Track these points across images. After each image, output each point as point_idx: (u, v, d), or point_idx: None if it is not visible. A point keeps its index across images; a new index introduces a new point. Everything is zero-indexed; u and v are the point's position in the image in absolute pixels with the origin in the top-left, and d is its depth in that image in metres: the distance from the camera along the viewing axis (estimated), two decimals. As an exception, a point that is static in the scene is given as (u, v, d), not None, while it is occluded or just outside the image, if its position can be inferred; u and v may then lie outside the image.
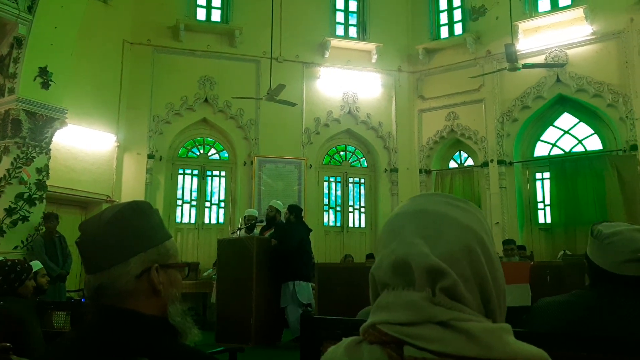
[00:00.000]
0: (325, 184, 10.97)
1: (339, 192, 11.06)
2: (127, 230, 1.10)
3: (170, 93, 9.94)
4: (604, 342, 1.24)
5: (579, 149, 9.92)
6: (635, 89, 8.99)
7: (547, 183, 10.04)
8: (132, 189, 9.33)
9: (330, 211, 10.95)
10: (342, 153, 11.27)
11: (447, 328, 0.68)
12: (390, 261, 0.75)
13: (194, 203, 10.16)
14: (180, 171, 10.21)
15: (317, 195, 10.73)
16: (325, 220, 10.83)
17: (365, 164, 11.30)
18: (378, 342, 0.71)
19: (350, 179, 11.14)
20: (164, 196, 9.81)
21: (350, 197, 11.08)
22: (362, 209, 11.11)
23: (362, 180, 11.24)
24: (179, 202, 10.10)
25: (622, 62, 9.19)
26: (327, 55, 10.82)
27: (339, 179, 11.09)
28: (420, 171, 10.98)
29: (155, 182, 9.73)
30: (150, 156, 9.69)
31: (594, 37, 9.50)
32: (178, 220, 10.02)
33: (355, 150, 11.28)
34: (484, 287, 0.74)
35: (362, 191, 11.20)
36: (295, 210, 6.96)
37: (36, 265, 3.86)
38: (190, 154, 10.39)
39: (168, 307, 1.15)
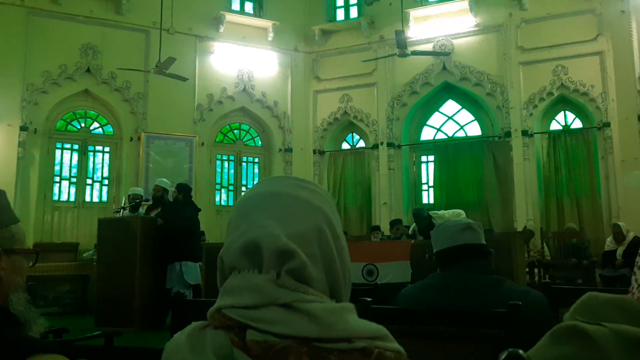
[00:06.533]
0: (218, 162, 10.75)
1: (232, 171, 10.89)
2: None
3: (48, 60, 9.12)
4: (455, 316, 1.32)
5: (461, 134, 10.57)
6: (511, 80, 9.71)
7: (431, 166, 10.62)
8: (1, 163, 8.51)
9: (223, 190, 10.77)
10: (236, 131, 11.08)
11: (289, 310, 0.69)
12: (240, 244, 0.74)
13: (73, 180, 9.49)
14: (59, 145, 9.47)
15: (209, 174, 10.48)
16: (217, 199, 10.64)
17: (260, 143, 11.21)
18: (222, 326, 0.71)
19: (244, 158, 11.01)
20: (39, 172, 9.06)
21: (244, 176, 10.96)
22: (256, 189, 11.01)
23: (256, 160, 11.15)
24: (57, 179, 9.39)
25: (501, 54, 9.86)
26: (221, 29, 10.50)
27: (232, 157, 10.91)
28: (314, 152, 11.11)
29: (28, 156, 8.93)
30: (23, 128, 8.86)
31: (477, 28, 10.10)
32: (55, 198, 9.33)
33: (249, 129, 11.14)
34: (331, 267, 0.75)
35: (256, 170, 11.12)
36: (184, 189, 6.74)
37: None
38: (69, 127, 9.65)
39: (10, 295, 1.07)
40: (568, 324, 0.59)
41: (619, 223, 7.96)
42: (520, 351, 0.65)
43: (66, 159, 9.52)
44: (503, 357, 0.68)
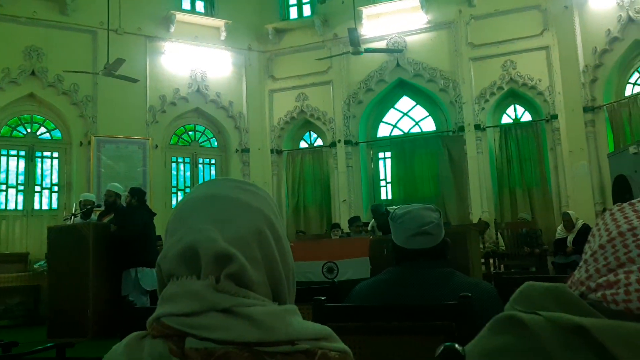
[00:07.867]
0: (173, 164, 10.55)
1: (188, 174, 10.71)
2: None
3: (-11, 64, 8.75)
4: (407, 311, 1.33)
5: (416, 130, 10.72)
6: (463, 75, 9.90)
7: (388, 162, 10.72)
8: (-59, 173, 8.10)
9: (179, 193, 10.57)
10: (190, 133, 10.89)
11: (229, 315, 0.68)
12: (178, 249, 0.73)
13: (21, 188, 9.13)
14: (4, 152, 9.10)
15: (164, 177, 10.27)
16: (174, 202, 10.43)
17: (216, 144, 11.06)
18: (161, 335, 0.69)
19: (200, 160, 10.84)
20: (-17, 180, 8.69)
21: (201, 177, 10.79)
22: (214, 190, 10.86)
23: (213, 161, 11.00)
24: (3, 187, 9.03)
25: (453, 50, 10.04)
26: (172, 29, 10.30)
27: (187, 159, 10.72)
28: (272, 151, 11.04)
29: (-29, 164, 8.56)
30: (-36, 135, 8.49)
31: (428, 25, 10.26)
32: (2, 206, 8.96)
33: (205, 130, 10.98)
34: (273, 269, 0.74)
35: (213, 172, 10.97)
36: (137, 194, 6.58)
37: None
38: (15, 132, 9.27)
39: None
40: (505, 314, 0.59)
41: (569, 212, 8.24)
42: (456, 345, 0.65)
43: (12, 166, 9.16)
44: (439, 351, 0.68)
